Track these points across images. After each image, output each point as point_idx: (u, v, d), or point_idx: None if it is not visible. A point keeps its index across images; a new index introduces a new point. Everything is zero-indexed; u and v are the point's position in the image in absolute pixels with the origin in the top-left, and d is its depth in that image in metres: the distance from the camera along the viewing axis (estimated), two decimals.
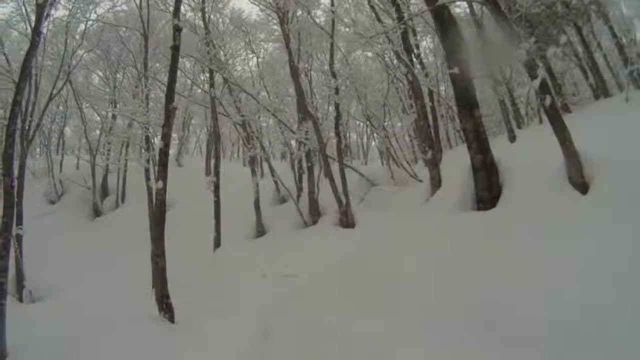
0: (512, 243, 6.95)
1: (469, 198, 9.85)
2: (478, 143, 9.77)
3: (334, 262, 11.25)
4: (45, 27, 21.34)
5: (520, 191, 8.66)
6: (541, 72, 7.96)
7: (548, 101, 7.88)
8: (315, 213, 19.15)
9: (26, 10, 23.80)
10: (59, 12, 26.84)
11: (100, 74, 31.59)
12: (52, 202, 32.03)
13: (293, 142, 24.35)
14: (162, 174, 10.38)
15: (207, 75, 21.89)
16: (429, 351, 5.73)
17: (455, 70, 10.21)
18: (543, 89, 7.96)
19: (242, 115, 20.43)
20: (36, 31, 11.00)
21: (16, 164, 12.17)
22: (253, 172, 21.59)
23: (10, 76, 20.69)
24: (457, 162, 14.31)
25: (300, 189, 21.75)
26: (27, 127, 20.63)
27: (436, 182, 15.46)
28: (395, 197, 18.87)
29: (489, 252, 7.06)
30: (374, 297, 7.93)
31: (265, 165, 28.38)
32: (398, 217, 14.52)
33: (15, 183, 10.80)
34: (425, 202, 14.76)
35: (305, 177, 20.62)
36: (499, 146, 9.91)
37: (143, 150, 22.93)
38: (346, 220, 17.32)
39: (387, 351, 6.22)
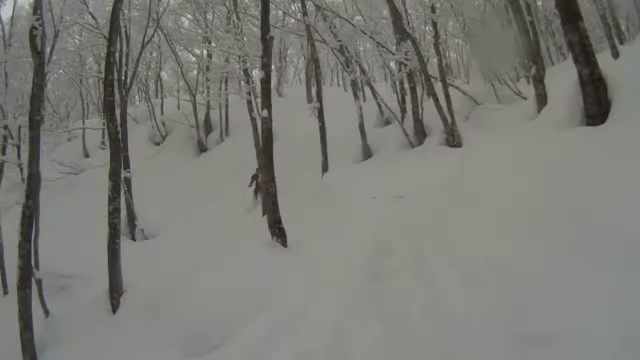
0: (626, 159, 6.54)
1: (578, 114, 9.36)
2: (585, 56, 9.18)
3: (444, 181, 11.21)
4: None
5: (631, 106, 8.14)
6: None
7: None
8: (420, 133, 18.79)
9: None
10: None
11: (190, 16, 31.73)
12: (157, 144, 33.00)
13: (393, 64, 23.90)
14: (267, 103, 10.57)
15: (299, 4, 21.62)
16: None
17: None
18: None
19: (339, 41, 20.21)
20: None
21: (118, 112, 12.48)
22: (355, 96, 21.49)
23: (100, 32, 21.20)
24: (560, 78, 13.92)
25: (404, 110, 21.28)
26: (123, 77, 21.18)
27: (542, 99, 14.99)
28: (501, 116, 18.41)
29: (601, 168, 6.69)
30: (488, 216, 7.75)
31: (366, 89, 28.29)
32: (506, 135, 14.21)
33: (119, 130, 11.17)
34: (532, 119, 14.40)
35: (408, 98, 20.29)
36: (602, 63, 9.35)
37: (243, 84, 23.10)
38: (453, 140, 16.89)
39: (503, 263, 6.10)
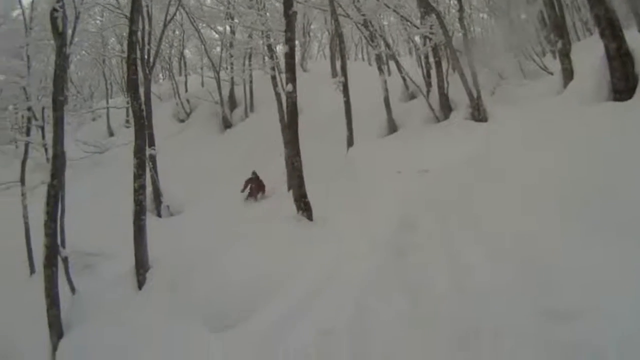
0: None
1: (605, 88, 9.26)
2: (612, 30, 9.07)
3: (470, 156, 11.24)
4: None
5: None
6: None
7: None
8: (445, 108, 18.57)
9: None
10: None
11: None
12: (182, 121, 32.91)
13: (417, 38, 23.67)
14: (291, 77, 10.57)
15: None
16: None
17: None
18: None
19: (363, 15, 19.94)
20: None
21: (141, 90, 12.58)
22: (380, 70, 21.21)
23: (121, 11, 21.15)
24: (586, 54, 13.64)
25: (429, 84, 20.98)
26: (146, 56, 21.11)
27: (568, 74, 14.71)
28: (527, 90, 18.17)
29: (628, 143, 6.60)
30: (513, 192, 7.76)
31: (391, 63, 27.91)
32: (532, 110, 14.06)
33: (143, 107, 11.30)
34: (558, 94, 14.17)
35: (433, 72, 20.07)
36: (629, 38, 9.19)
37: (266, 59, 23.08)
38: (478, 114, 16.63)
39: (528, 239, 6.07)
